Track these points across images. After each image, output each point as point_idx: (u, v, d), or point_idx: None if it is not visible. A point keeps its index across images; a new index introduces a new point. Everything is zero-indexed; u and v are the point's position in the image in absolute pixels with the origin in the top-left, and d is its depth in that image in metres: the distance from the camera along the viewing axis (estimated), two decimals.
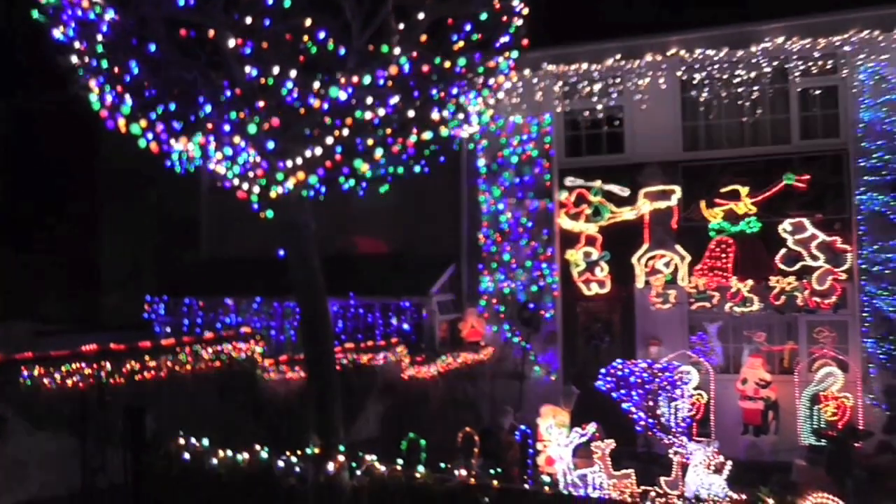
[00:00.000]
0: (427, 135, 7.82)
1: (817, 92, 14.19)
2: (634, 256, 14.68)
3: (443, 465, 8.49)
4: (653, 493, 8.30)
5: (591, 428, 10.02)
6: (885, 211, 13.42)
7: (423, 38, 7.90)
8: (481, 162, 15.79)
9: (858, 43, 13.55)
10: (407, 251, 15.93)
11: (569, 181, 15.28)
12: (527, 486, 8.23)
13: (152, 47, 7.28)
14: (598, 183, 15.04)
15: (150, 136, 7.53)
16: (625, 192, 14.89)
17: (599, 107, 15.22)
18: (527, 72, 15.06)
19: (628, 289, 14.87)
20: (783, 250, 13.84)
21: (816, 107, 14.24)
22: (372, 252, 16.42)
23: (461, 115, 8.04)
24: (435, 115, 7.76)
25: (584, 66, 14.96)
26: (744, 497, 8.25)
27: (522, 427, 11.99)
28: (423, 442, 10.19)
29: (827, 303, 13.63)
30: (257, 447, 8.97)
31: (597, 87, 15.11)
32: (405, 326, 15.26)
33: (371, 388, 12.60)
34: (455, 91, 7.79)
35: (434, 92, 7.57)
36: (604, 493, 9.50)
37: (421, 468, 8.19)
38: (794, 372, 13.89)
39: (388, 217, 16.29)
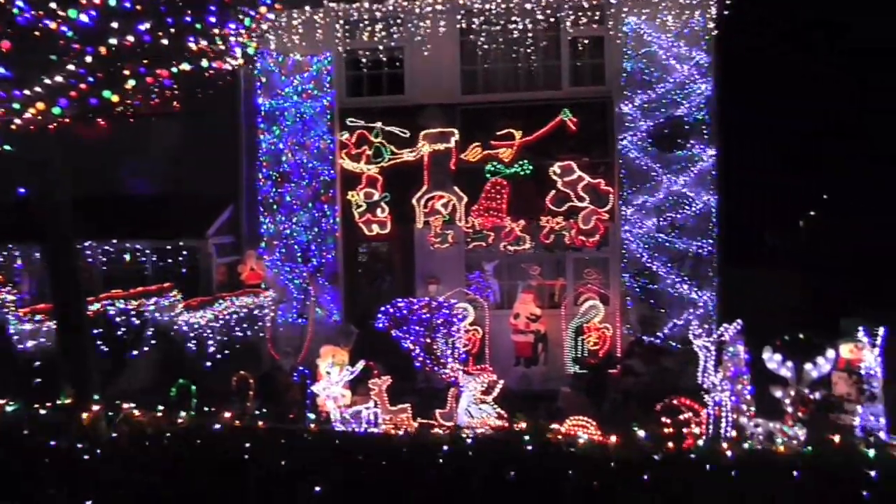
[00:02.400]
0: (185, 66, 7.36)
1: (586, 41, 14.90)
2: (414, 197, 14.90)
3: (206, 409, 8.27)
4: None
5: (360, 365, 10.12)
6: (643, 156, 14.44)
7: None
8: (260, 100, 15.30)
9: None
10: (182, 191, 15.21)
11: (350, 122, 15.16)
12: (294, 425, 8.18)
13: None
14: (378, 124, 15.04)
15: None
16: (405, 133, 14.98)
17: (381, 48, 15.18)
18: (307, 8, 14.65)
19: (408, 229, 15.12)
20: (553, 192, 14.55)
21: (585, 56, 14.96)
22: (144, 192, 15.52)
23: (223, 47, 7.63)
24: (193, 46, 7.31)
25: (366, 4, 14.79)
26: (501, 422, 8.66)
27: (300, 368, 11.94)
28: (192, 387, 9.88)
29: (591, 241, 14.54)
30: (2, 401, 8.29)
31: (378, 27, 15.03)
32: (181, 270, 14.66)
33: (141, 335, 12.02)
34: (213, 20, 7.37)
35: (188, 19, 7.12)
36: (379, 429, 9.68)
37: (183, 413, 7.94)
38: (562, 306, 14.78)
39: (161, 155, 15.51)
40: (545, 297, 15.09)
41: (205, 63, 7.57)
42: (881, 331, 9.57)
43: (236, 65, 7.99)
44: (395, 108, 15.15)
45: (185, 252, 14.69)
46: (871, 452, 7.50)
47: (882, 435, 8.90)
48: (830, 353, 9.41)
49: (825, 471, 7.30)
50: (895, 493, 7.24)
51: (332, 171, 15.27)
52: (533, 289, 14.78)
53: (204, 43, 7.39)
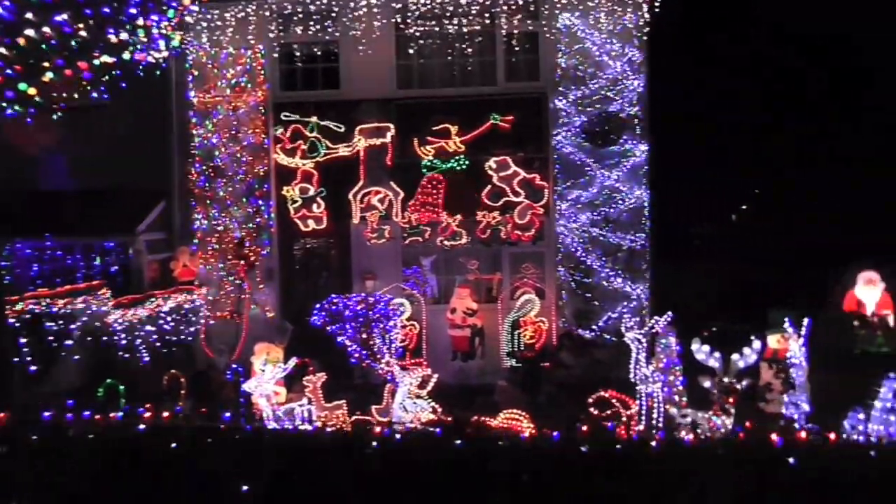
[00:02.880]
0: (106, 58, 7.18)
1: (520, 38, 14.97)
2: (350, 192, 14.82)
3: (135, 409, 8.12)
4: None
5: (291, 362, 10.06)
6: (577, 151, 14.58)
7: None
8: (192, 93, 15.02)
9: None
10: (112, 187, 14.86)
11: (284, 116, 15.02)
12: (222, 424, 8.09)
13: None
14: (313, 118, 14.92)
15: None
16: (340, 127, 14.89)
17: (315, 42, 15.04)
18: (240, 0, 14.45)
19: (344, 225, 15.03)
20: (488, 187, 14.62)
21: (520, 51, 15.04)
22: (72, 187, 15.14)
23: (145, 39, 7.46)
24: (114, 38, 7.13)
25: None
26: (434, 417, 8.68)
27: (234, 366, 11.82)
28: (121, 388, 9.70)
29: (527, 235, 14.67)
30: None
31: (312, 21, 14.87)
32: (112, 268, 14.36)
33: (68, 335, 11.73)
34: (134, 11, 7.20)
35: (107, 10, 6.94)
36: (313, 426, 9.64)
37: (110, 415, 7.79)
38: (498, 300, 14.86)
39: (90, 149, 15.12)
40: (482, 292, 15.16)
41: (127, 56, 7.40)
42: (805, 321, 9.87)
43: (160, 57, 7.84)
44: (331, 102, 15.03)
45: (116, 249, 14.37)
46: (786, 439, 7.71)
47: (805, 423, 9.20)
48: (756, 343, 9.66)
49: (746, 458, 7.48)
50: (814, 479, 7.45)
51: (266, 166, 15.09)
52: (469, 283, 14.84)
53: (125, 35, 7.22)
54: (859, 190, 21.19)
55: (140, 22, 7.29)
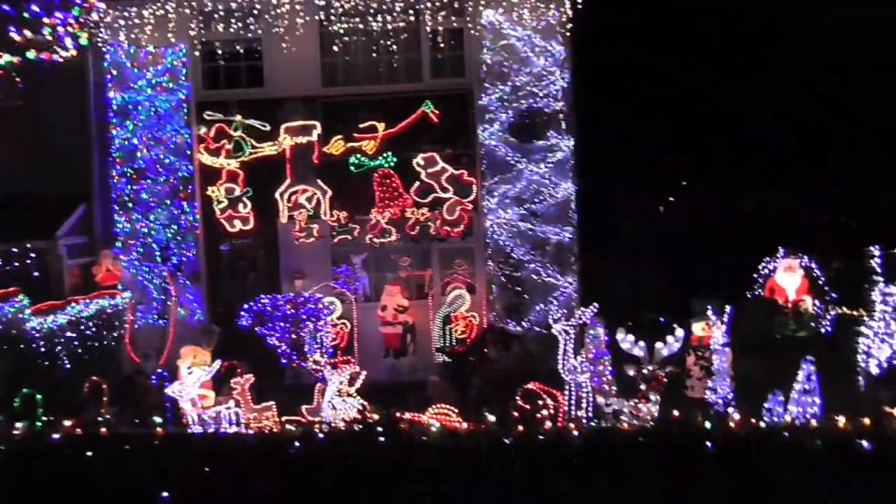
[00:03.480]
0: (8, 57, 6.95)
1: (445, 34, 14.95)
2: (277, 192, 14.67)
3: (45, 419, 7.91)
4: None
5: (216, 365, 9.94)
6: (503, 146, 14.67)
7: None
8: (111, 93, 14.61)
9: None
10: (29, 190, 14.42)
11: (207, 115, 14.77)
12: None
13: None
14: (238, 117, 14.71)
15: None
16: (265, 126, 14.71)
17: (238, 39, 14.84)
18: None
19: (272, 224, 14.88)
20: (417, 183, 14.62)
21: (445, 48, 15.05)
22: None
23: (50, 37, 7.24)
24: (17, 37, 6.90)
25: None
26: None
27: (160, 370, 11.61)
28: (38, 397, 9.42)
29: (456, 231, 14.71)
30: None
31: (234, 18, 14.64)
32: (32, 274, 13.95)
33: None
34: (37, 9, 6.97)
35: (8, 8, 6.71)
36: (241, 428, 9.55)
37: (19, 424, 7.57)
38: (429, 296, 14.88)
39: (5, 151, 14.64)
40: (413, 288, 15.15)
41: (31, 55, 7.17)
42: (727, 309, 10.14)
43: (68, 56, 7.60)
44: (255, 101, 14.86)
45: (32, 254, 13.95)
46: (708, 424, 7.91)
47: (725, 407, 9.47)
48: (679, 331, 9.91)
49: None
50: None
51: (190, 167, 14.82)
52: (400, 280, 14.84)
53: (29, 33, 6.99)
54: (781, 181, 21.78)
55: (45, 20, 7.08)
